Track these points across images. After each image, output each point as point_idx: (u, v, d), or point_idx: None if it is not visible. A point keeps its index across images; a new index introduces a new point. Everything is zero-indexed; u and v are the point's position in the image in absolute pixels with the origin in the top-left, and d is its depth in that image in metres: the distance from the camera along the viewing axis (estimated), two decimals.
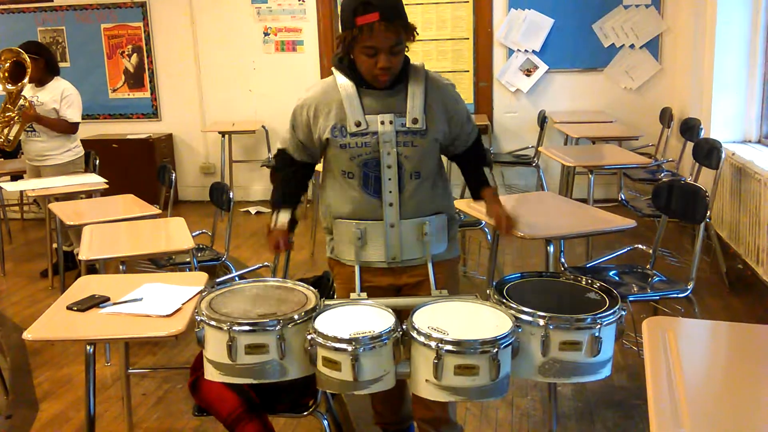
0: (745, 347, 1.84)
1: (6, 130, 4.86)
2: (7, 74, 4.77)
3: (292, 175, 2.41)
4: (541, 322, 1.82)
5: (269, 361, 1.86)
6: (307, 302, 1.97)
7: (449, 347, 1.74)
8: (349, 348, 1.76)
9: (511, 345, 1.80)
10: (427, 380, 1.78)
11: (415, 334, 1.80)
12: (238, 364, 1.85)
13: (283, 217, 2.35)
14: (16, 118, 4.79)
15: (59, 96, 4.85)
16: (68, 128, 4.90)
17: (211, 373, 1.91)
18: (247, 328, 1.84)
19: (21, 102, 4.75)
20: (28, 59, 4.70)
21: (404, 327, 1.85)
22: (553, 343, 1.82)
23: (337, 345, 1.78)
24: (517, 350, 1.83)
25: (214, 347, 1.88)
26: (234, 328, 1.83)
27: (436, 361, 1.74)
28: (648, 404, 1.50)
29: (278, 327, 1.84)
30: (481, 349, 1.74)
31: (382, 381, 1.83)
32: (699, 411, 1.47)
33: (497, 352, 1.74)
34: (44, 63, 4.86)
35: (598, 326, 1.81)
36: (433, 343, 1.75)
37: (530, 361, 1.85)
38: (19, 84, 4.72)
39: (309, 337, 1.83)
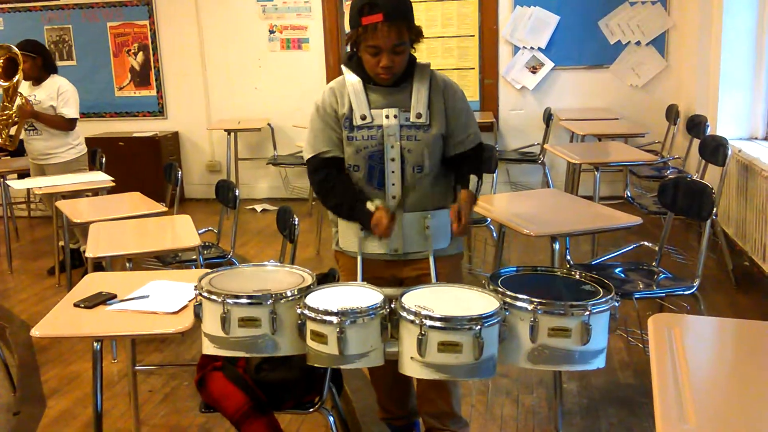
0: (751, 344, 1.84)
1: (6, 130, 4.87)
2: (0, 71, 4.78)
3: (348, 180, 2.34)
4: (530, 306, 1.83)
5: (261, 335, 1.92)
6: (303, 283, 2.04)
7: (433, 323, 1.78)
8: (335, 320, 1.82)
9: (496, 325, 1.82)
10: (412, 357, 1.82)
11: (402, 312, 1.84)
12: (232, 337, 1.92)
13: (377, 201, 2.27)
14: (14, 116, 4.79)
15: (56, 93, 4.86)
16: (66, 125, 4.91)
17: (206, 347, 1.98)
18: (241, 301, 1.91)
19: (18, 99, 4.76)
20: (20, 54, 4.70)
21: (393, 306, 1.89)
22: (541, 329, 1.83)
23: (325, 318, 1.83)
24: (506, 335, 1.85)
25: (210, 320, 1.95)
26: (228, 300, 1.91)
27: (420, 337, 1.78)
28: (653, 401, 1.50)
29: (271, 302, 1.91)
30: (466, 326, 1.77)
31: (368, 357, 1.87)
32: (704, 408, 1.47)
33: (480, 330, 1.77)
34: (41, 61, 4.87)
35: (588, 313, 1.82)
36: (417, 320, 1.79)
37: (519, 346, 1.87)
38: (13, 79, 4.72)
39: (299, 311, 1.89)
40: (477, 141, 2.41)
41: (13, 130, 4.89)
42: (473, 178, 2.37)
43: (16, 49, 4.71)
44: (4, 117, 4.82)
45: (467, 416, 2.92)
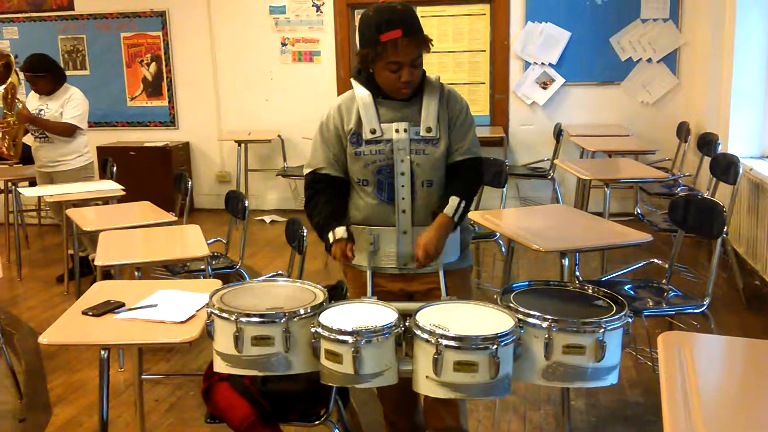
0: (761, 364, 1.82)
1: (8, 138, 4.91)
2: None
3: (333, 195, 2.34)
4: (545, 324, 1.83)
5: (275, 353, 1.91)
6: (315, 299, 2.02)
7: (449, 343, 1.77)
8: (351, 340, 1.80)
9: (512, 344, 1.81)
10: (427, 376, 1.81)
11: (417, 330, 1.83)
12: (245, 356, 1.90)
13: (340, 231, 2.24)
14: (13, 122, 4.82)
15: (66, 100, 4.91)
16: (67, 129, 4.91)
17: (218, 365, 1.96)
18: (254, 319, 1.89)
19: (18, 104, 4.80)
20: (12, 58, 4.73)
21: (407, 324, 1.87)
22: (556, 346, 1.82)
23: (339, 337, 1.82)
24: (520, 353, 1.84)
25: (222, 338, 1.93)
26: (241, 319, 1.89)
27: (436, 356, 1.77)
28: (663, 420, 1.48)
29: (284, 320, 1.89)
30: (481, 345, 1.76)
31: (383, 376, 1.86)
32: (714, 428, 1.45)
33: (497, 349, 1.76)
34: (51, 77, 4.92)
35: (602, 330, 1.82)
36: (433, 339, 1.78)
37: (533, 364, 1.85)
38: (7, 83, 4.74)
39: (313, 330, 1.87)
40: (470, 155, 2.34)
41: (17, 136, 4.93)
42: (453, 201, 2.25)
43: (9, 53, 4.74)
44: (7, 127, 4.86)
45: None
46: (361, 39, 2.26)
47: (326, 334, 1.84)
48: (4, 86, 4.76)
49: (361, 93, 2.32)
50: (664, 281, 3.24)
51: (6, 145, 4.94)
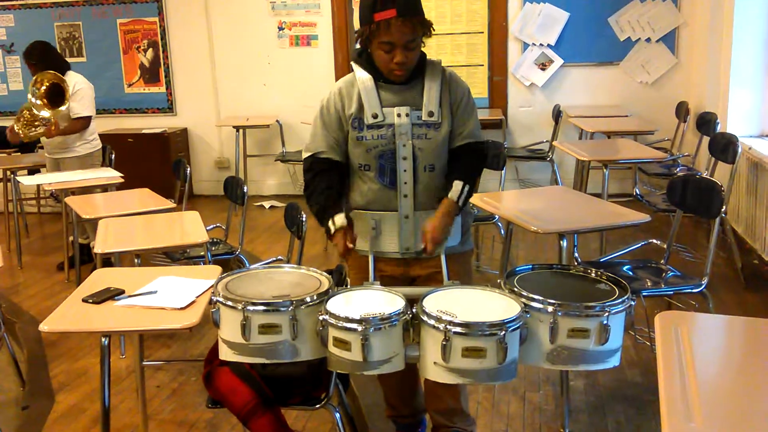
0: (759, 343, 1.83)
1: (26, 128, 4.91)
2: (44, 96, 4.80)
3: (333, 180, 2.32)
4: (550, 309, 1.83)
5: (282, 341, 1.91)
6: (320, 287, 2.02)
7: (457, 329, 1.77)
8: (360, 328, 1.80)
9: (518, 329, 1.81)
10: (435, 363, 1.81)
11: (424, 317, 1.83)
12: (252, 344, 1.91)
13: (339, 219, 2.24)
14: (38, 125, 4.84)
15: (72, 91, 4.89)
16: (82, 124, 4.95)
17: (225, 353, 1.96)
18: (261, 308, 1.89)
19: (50, 115, 4.80)
20: (67, 84, 4.73)
21: (414, 311, 1.88)
22: (561, 330, 1.83)
23: (348, 325, 1.82)
24: (526, 337, 1.85)
25: (229, 327, 1.93)
26: (248, 307, 1.89)
27: (444, 343, 1.77)
28: (660, 399, 1.49)
29: (291, 308, 1.89)
30: (489, 331, 1.76)
31: (391, 362, 1.86)
32: (711, 406, 1.46)
33: (504, 335, 1.76)
34: (53, 68, 4.90)
35: (607, 314, 1.82)
36: (441, 326, 1.78)
37: (539, 347, 1.86)
38: (59, 109, 4.75)
39: (321, 317, 1.87)
40: (472, 139, 2.34)
41: (37, 131, 4.94)
42: (457, 185, 2.27)
43: (64, 79, 4.74)
44: (30, 116, 4.85)
45: (473, 413, 2.92)
46: (360, 16, 2.25)
47: (334, 322, 1.84)
48: (50, 112, 4.75)
49: (362, 76, 2.30)
50: (662, 261, 3.25)
51: (19, 126, 4.92)
